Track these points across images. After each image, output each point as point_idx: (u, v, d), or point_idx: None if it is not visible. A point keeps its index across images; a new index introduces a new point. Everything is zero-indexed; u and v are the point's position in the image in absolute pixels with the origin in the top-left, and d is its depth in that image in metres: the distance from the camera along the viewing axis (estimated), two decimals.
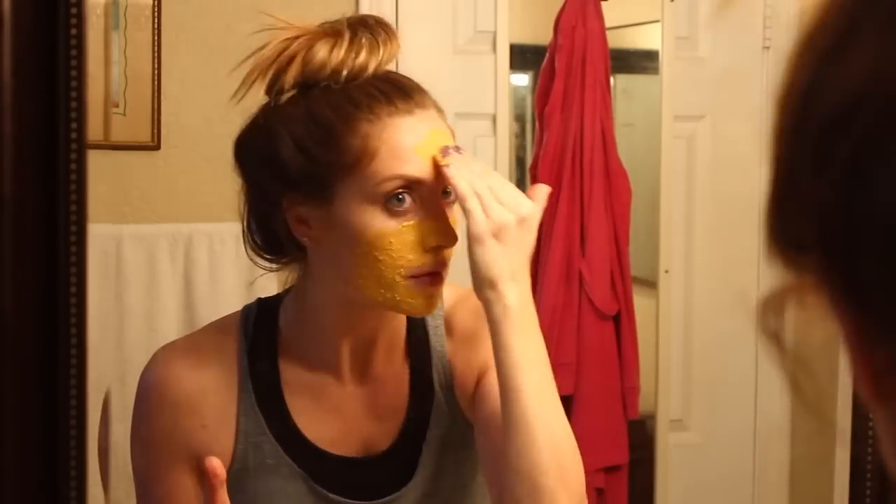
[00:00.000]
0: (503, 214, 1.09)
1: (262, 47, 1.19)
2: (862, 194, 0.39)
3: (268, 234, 1.21)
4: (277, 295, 1.28)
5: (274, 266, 1.23)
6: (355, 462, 1.22)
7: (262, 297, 1.28)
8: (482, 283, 1.11)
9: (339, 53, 1.14)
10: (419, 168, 1.10)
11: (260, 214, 1.20)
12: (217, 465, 1.10)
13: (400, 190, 1.10)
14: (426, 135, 1.11)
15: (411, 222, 1.11)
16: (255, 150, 1.18)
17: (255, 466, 1.19)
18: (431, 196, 1.11)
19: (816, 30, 0.43)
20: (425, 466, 1.22)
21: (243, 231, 1.23)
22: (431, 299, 1.13)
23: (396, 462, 1.22)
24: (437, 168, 1.11)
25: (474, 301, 1.15)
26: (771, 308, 0.47)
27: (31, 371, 0.62)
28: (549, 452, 1.09)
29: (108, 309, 2.29)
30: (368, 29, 1.16)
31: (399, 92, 1.13)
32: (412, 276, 1.11)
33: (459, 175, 1.10)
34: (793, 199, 0.43)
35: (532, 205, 1.12)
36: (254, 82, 1.19)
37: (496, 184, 1.11)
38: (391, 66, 1.21)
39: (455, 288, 1.25)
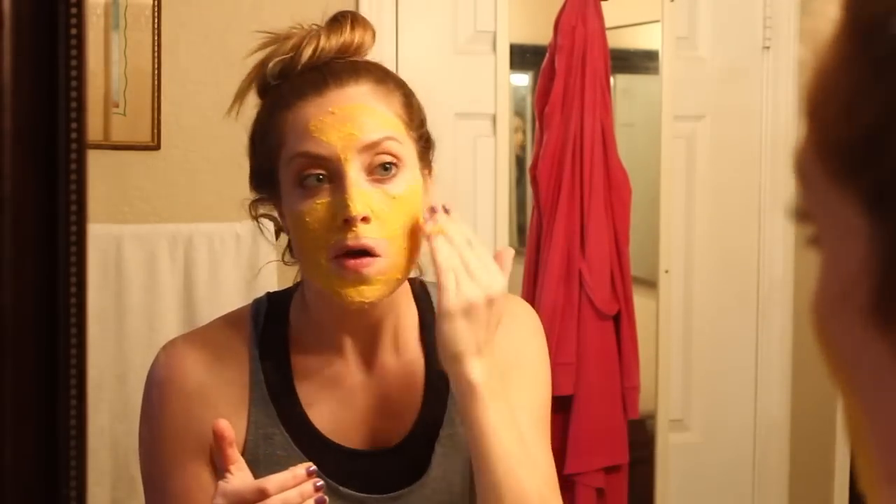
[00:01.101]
0: (474, 292, 1.12)
1: (254, 59, 1.26)
2: None
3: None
4: (288, 289, 1.29)
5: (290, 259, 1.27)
6: (366, 455, 1.22)
7: (272, 290, 1.30)
8: (447, 358, 1.13)
9: (284, 52, 1.20)
10: (317, 144, 1.13)
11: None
12: (225, 426, 1.10)
13: (309, 171, 1.13)
14: (329, 110, 1.13)
15: (323, 200, 1.13)
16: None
17: (266, 458, 1.19)
18: (339, 170, 1.12)
19: None
20: (438, 464, 1.22)
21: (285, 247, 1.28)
22: (356, 290, 1.13)
23: (408, 458, 1.22)
24: (350, 141, 1.12)
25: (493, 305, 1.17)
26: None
27: (31, 370, 0.62)
28: None
29: (108, 309, 2.29)
30: (331, 20, 1.22)
31: (317, 76, 1.17)
32: (335, 258, 1.12)
33: (441, 248, 1.13)
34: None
35: (503, 282, 1.16)
36: (244, 95, 1.25)
37: (473, 259, 1.14)
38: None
39: None
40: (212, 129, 2.39)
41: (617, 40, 2.73)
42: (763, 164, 2.83)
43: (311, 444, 1.20)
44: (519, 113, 3.03)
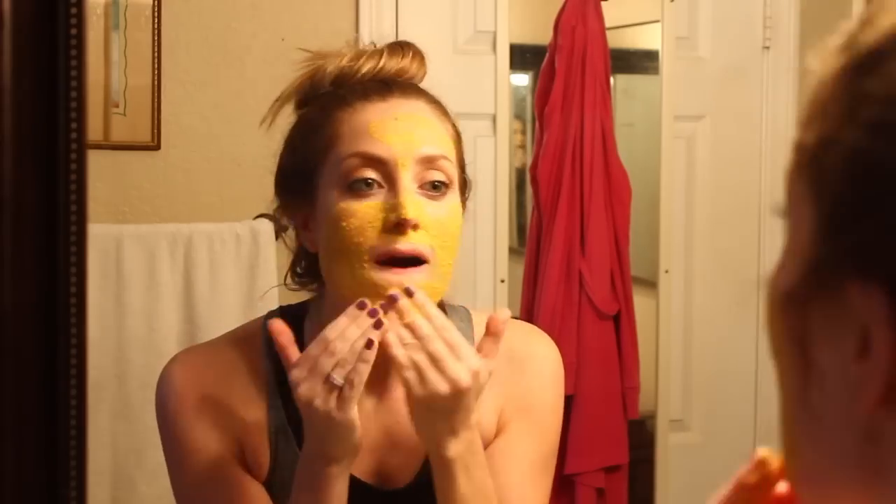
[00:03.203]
0: (439, 386, 1.06)
1: (305, 75, 1.22)
2: None
3: (302, 256, 1.22)
4: (301, 304, 1.25)
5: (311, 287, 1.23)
6: (378, 493, 1.19)
7: (284, 305, 1.26)
8: (428, 440, 1.10)
9: (342, 62, 1.18)
10: (376, 146, 1.10)
11: (294, 238, 1.23)
12: (280, 324, 1.07)
13: (363, 173, 1.10)
14: (393, 116, 1.12)
15: (374, 202, 1.10)
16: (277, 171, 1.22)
17: (285, 486, 1.15)
18: (394, 175, 1.10)
19: None
20: None
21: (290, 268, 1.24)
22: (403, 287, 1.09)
23: (420, 498, 1.18)
24: (409, 149, 1.10)
25: (506, 339, 1.13)
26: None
27: (31, 371, 0.62)
28: None
29: (108, 309, 2.28)
30: (392, 44, 1.21)
31: (380, 84, 1.16)
32: (379, 262, 1.09)
33: (394, 346, 1.07)
34: None
35: (474, 368, 1.07)
36: (280, 108, 1.22)
37: (441, 349, 1.07)
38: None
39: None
40: (212, 129, 2.39)
41: (617, 40, 2.73)
42: (763, 164, 2.83)
43: None
44: (519, 113, 3.03)
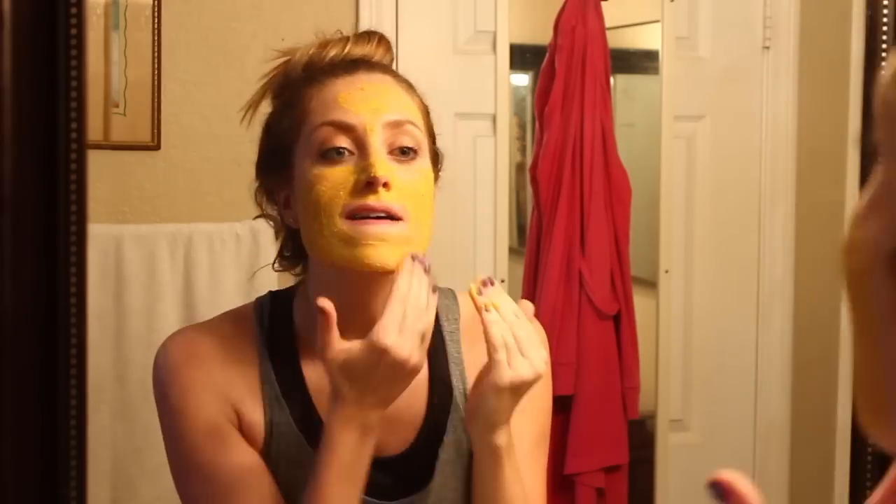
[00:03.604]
0: (525, 371, 1.13)
1: (278, 68, 1.28)
2: None
3: (289, 237, 1.26)
4: (289, 288, 1.29)
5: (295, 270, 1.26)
6: (373, 462, 1.20)
7: (274, 290, 1.29)
8: (482, 426, 1.15)
9: (310, 50, 1.24)
10: (344, 113, 1.16)
11: (276, 219, 1.27)
12: (326, 303, 1.09)
13: (334, 141, 1.15)
14: (359, 86, 1.17)
15: (345, 166, 1.15)
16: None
17: (280, 454, 1.19)
18: (364, 140, 1.15)
19: None
20: (441, 472, 1.22)
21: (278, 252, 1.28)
22: (373, 249, 1.12)
23: (413, 466, 1.22)
24: (377, 114, 1.15)
25: None
26: None
27: (31, 371, 0.62)
28: None
29: (108, 309, 2.28)
30: (358, 33, 1.27)
31: (348, 63, 1.21)
32: (353, 219, 1.12)
33: (493, 322, 1.13)
34: None
35: (546, 357, 1.16)
36: (258, 104, 1.28)
37: (523, 334, 1.14)
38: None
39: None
40: (212, 129, 2.39)
41: (617, 40, 2.73)
42: (763, 164, 2.83)
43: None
44: (519, 113, 3.03)
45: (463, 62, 2.63)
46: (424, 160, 1.19)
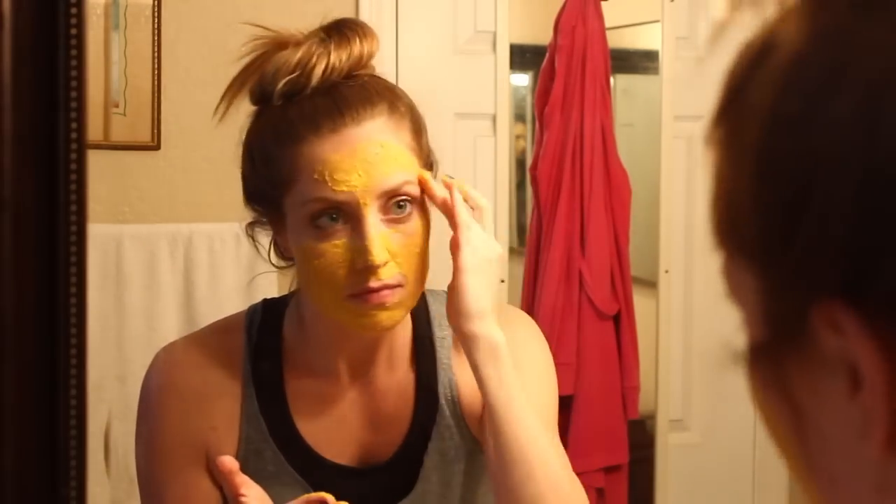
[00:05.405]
0: (491, 249, 1.14)
1: (246, 59, 1.21)
2: None
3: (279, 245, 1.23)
4: (283, 297, 1.27)
5: (283, 264, 1.23)
6: (356, 472, 1.21)
7: (268, 297, 1.28)
8: (471, 315, 1.12)
9: (289, 69, 1.14)
10: (335, 192, 1.08)
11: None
12: (229, 461, 1.08)
13: (324, 212, 1.09)
14: (350, 151, 1.09)
15: (340, 241, 1.09)
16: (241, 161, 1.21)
17: (255, 473, 1.16)
18: (357, 214, 1.09)
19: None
20: (426, 479, 1.21)
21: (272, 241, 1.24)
22: (375, 318, 1.11)
23: (398, 474, 1.21)
24: (370, 187, 1.09)
25: None
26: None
27: (31, 371, 0.62)
28: (546, 484, 1.12)
29: (108, 309, 2.29)
30: (337, 32, 1.16)
31: (331, 108, 1.11)
32: (352, 296, 1.10)
33: (460, 203, 1.14)
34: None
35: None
36: (234, 97, 1.21)
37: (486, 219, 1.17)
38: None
39: None
40: (212, 129, 2.37)
41: (617, 40, 2.74)
42: None
43: (301, 460, 1.19)
44: (519, 113, 3.03)
45: (463, 62, 2.63)
46: (418, 207, 1.14)
